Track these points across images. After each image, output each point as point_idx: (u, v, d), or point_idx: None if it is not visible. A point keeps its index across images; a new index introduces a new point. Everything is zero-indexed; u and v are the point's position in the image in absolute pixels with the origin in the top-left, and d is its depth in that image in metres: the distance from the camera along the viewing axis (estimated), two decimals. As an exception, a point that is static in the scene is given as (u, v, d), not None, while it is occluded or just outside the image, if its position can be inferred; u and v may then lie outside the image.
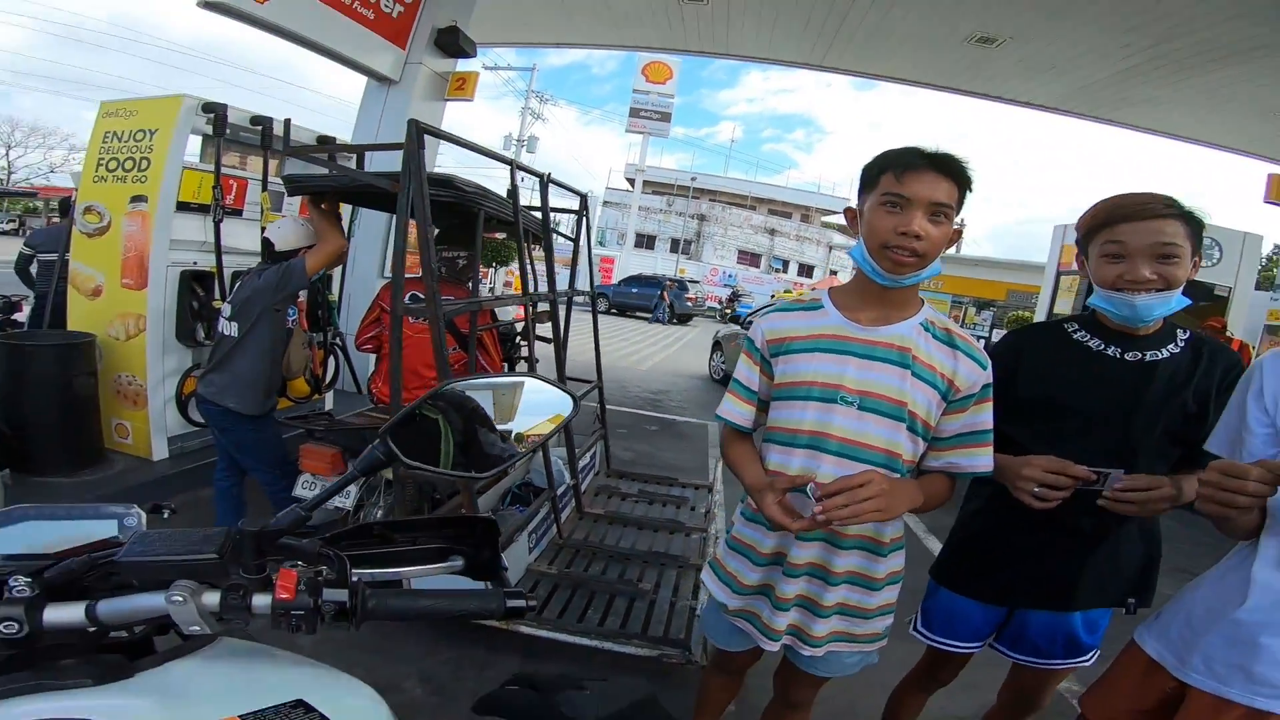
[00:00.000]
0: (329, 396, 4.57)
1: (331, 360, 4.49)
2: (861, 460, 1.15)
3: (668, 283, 22.80)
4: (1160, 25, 6.40)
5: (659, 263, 31.24)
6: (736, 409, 1.31)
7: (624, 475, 3.91)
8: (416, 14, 5.78)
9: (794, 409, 1.21)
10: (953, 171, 1.13)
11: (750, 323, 9.45)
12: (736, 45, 9.43)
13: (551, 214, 3.24)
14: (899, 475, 1.18)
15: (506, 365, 3.66)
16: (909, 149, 1.15)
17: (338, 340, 4.53)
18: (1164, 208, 1.26)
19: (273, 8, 4.61)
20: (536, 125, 29.27)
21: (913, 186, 1.11)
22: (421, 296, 2.47)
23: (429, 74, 5.97)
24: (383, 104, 5.85)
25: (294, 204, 4.16)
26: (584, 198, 3.68)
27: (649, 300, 22.29)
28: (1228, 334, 6.49)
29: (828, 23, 8.00)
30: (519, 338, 3.71)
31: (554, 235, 3.30)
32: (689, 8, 8.27)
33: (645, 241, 35.58)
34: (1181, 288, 1.28)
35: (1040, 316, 9.01)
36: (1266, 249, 11.46)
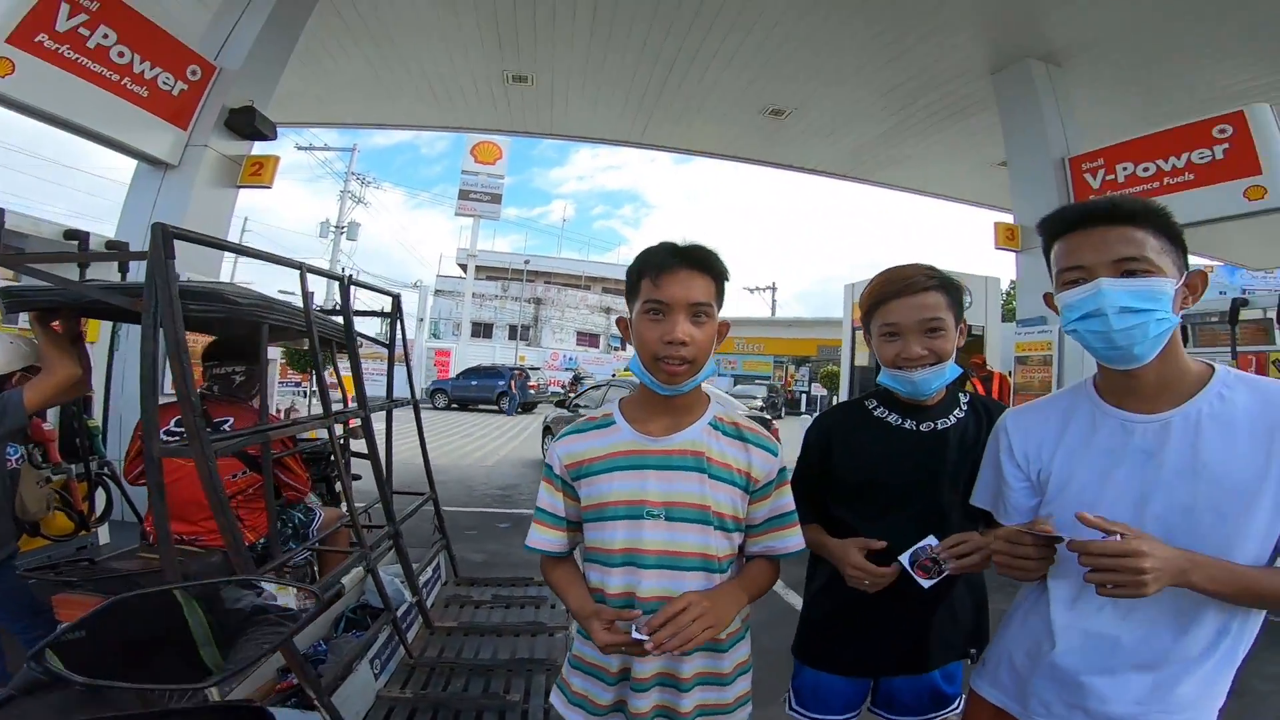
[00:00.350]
0: (103, 530, 3.73)
1: (101, 492, 3.68)
2: (679, 568, 1.16)
3: (515, 372, 22.45)
4: (907, 87, 7.63)
5: (498, 351, 30.48)
6: (544, 537, 1.27)
7: (474, 582, 3.68)
8: (204, 92, 5.29)
9: (604, 529, 1.20)
10: (706, 266, 1.15)
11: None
12: (562, 125, 9.81)
13: (365, 317, 3.05)
14: (719, 574, 1.19)
15: (324, 485, 3.36)
16: (662, 248, 1.16)
17: (105, 470, 3.73)
18: (926, 279, 1.32)
19: (17, 82, 4.00)
20: (358, 210, 27.93)
21: (670, 290, 1.12)
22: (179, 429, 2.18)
23: (216, 158, 5.42)
24: (157, 190, 5.21)
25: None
26: (396, 299, 3.43)
27: (490, 391, 21.82)
28: (988, 368, 7.54)
29: (644, 100, 8.61)
30: (330, 456, 3.33)
31: (366, 341, 3.03)
32: (514, 89, 8.50)
33: (482, 330, 35.04)
34: (952, 357, 1.34)
35: (844, 370, 9.98)
36: (1005, 287, 13.89)
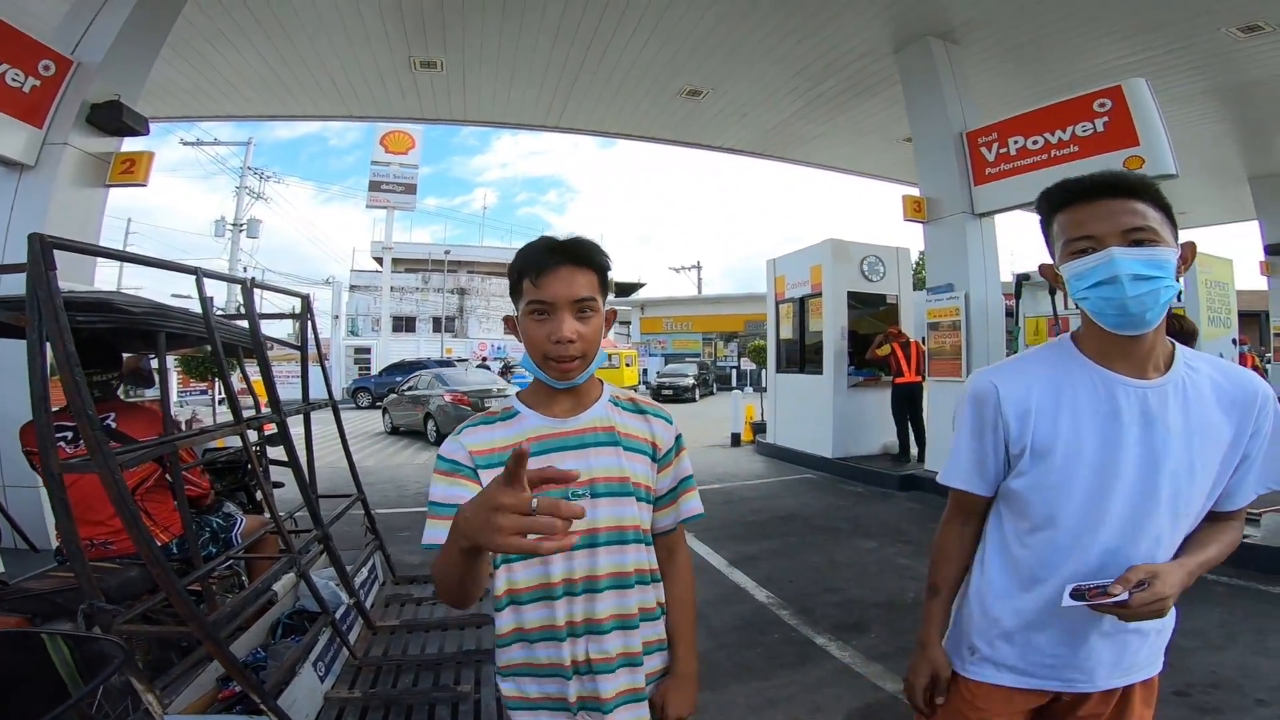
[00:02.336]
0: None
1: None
2: (605, 545, 1.16)
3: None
4: (816, 66, 7.85)
5: (423, 345, 29.61)
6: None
7: (414, 580, 3.67)
8: (59, 88, 4.86)
9: None
10: (587, 260, 1.15)
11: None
12: (475, 111, 9.50)
13: (274, 319, 2.88)
14: (646, 546, 1.22)
15: (244, 494, 3.25)
16: (542, 246, 1.15)
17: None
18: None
19: None
20: (257, 206, 26.18)
21: (553, 289, 1.11)
22: (68, 427, 2.11)
23: (79, 157, 4.98)
24: (13, 193, 4.77)
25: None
26: (305, 299, 3.37)
27: (417, 387, 21.24)
28: (906, 337, 7.95)
29: (560, 84, 8.45)
30: (247, 464, 3.23)
31: (277, 344, 3.02)
32: (423, 75, 8.16)
33: (404, 324, 33.74)
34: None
35: (770, 343, 10.30)
36: (915, 258, 14.74)
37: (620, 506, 1.17)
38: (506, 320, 1.25)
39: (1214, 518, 1.18)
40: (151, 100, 7.40)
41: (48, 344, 1.60)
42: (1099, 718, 1.20)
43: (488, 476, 1.15)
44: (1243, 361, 5.32)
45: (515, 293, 1.18)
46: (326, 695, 2.27)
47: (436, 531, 1.12)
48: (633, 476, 1.19)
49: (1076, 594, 1.06)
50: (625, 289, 42.84)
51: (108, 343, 2.45)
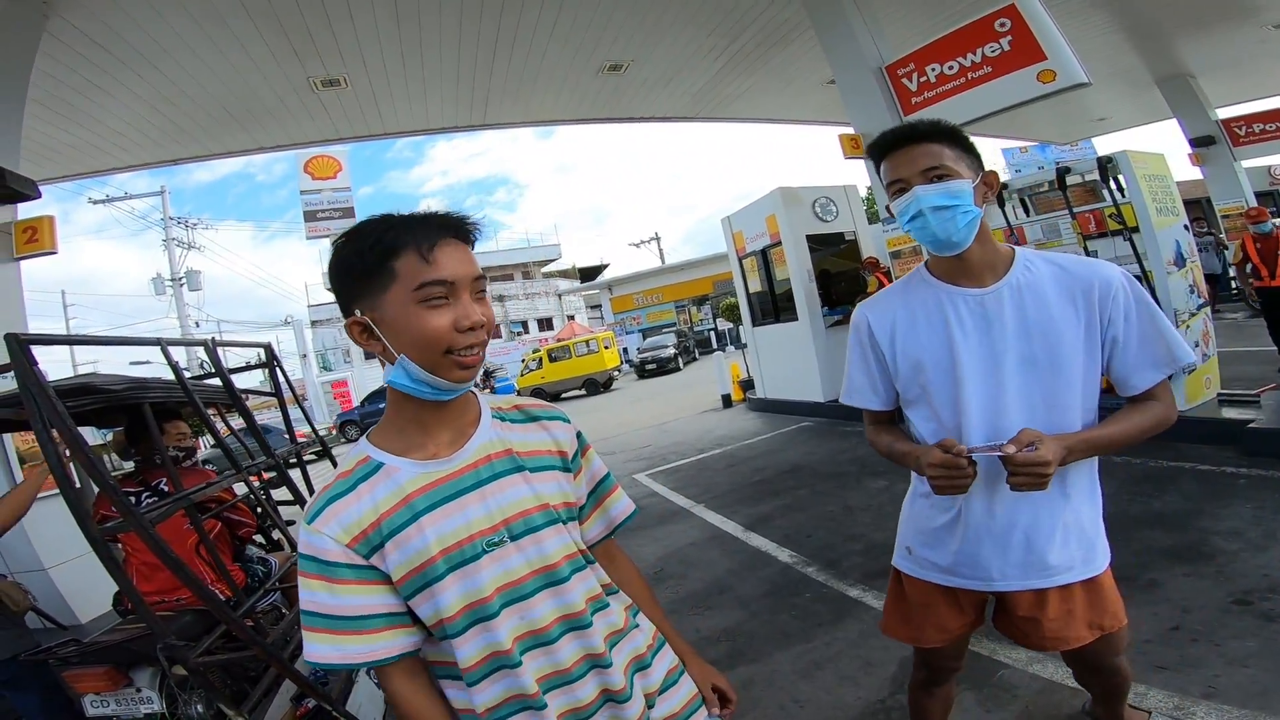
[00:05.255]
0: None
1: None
2: (542, 589, 0.97)
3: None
4: (727, 24, 7.82)
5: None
6: (354, 646, 0.92)
7: None
8: None
9: (445, 591, 0.92)
10: (470, 235, 0.96)
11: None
12: (393, 122, 9.22)
13: (241, 372, 3.17)
14: (590, 567, 1.04)
15: (262, 535, 3.40)
16: (420, 219, 0.92)
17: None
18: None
19: None
20: (192, 257, 25.05)
21: (450, 265, 0.90)
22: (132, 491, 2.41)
23: None
24: None
25: None
26: (268, 348, 3.49)
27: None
28: (885, 266, 8.02)
29: (476, 84, 8.25)
30: (258, 509, 3.42)
31: (252, 394, 3.13)
32: (327, 95, 7.87)
33: (374, 350, 33.23)
34: None
35: (741, 298, 10.37)
36: (864, 193, 14.98)
37: (547, 541, 0.99)
38: (353, 327, 0.94)
39: (1132, 401, 1.30)
40: (39, 161, 7.08)
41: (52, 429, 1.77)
42: (1035, 621, 1.35)
43: (380, 562, 0.92)
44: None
45: (375, 283, 0.90)
46: (385, 700, 2.46)
47: (324, 647, 0.91)
48: (549, 499, 1.01)
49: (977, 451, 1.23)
50: (590, 273, 42.59)
51: (139, 425, 2.68)
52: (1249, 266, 6.39)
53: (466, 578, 0.93)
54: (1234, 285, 10.29)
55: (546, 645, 0.96)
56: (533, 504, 0.99)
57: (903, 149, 1.29)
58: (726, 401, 11.19)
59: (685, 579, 3.88)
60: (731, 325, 14.96)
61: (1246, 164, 12.29)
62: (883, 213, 7.32)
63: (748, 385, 11.06)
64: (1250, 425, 4.35)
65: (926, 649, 1.51)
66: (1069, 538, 1.31)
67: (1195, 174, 12.76)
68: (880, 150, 1.33)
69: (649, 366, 22.68)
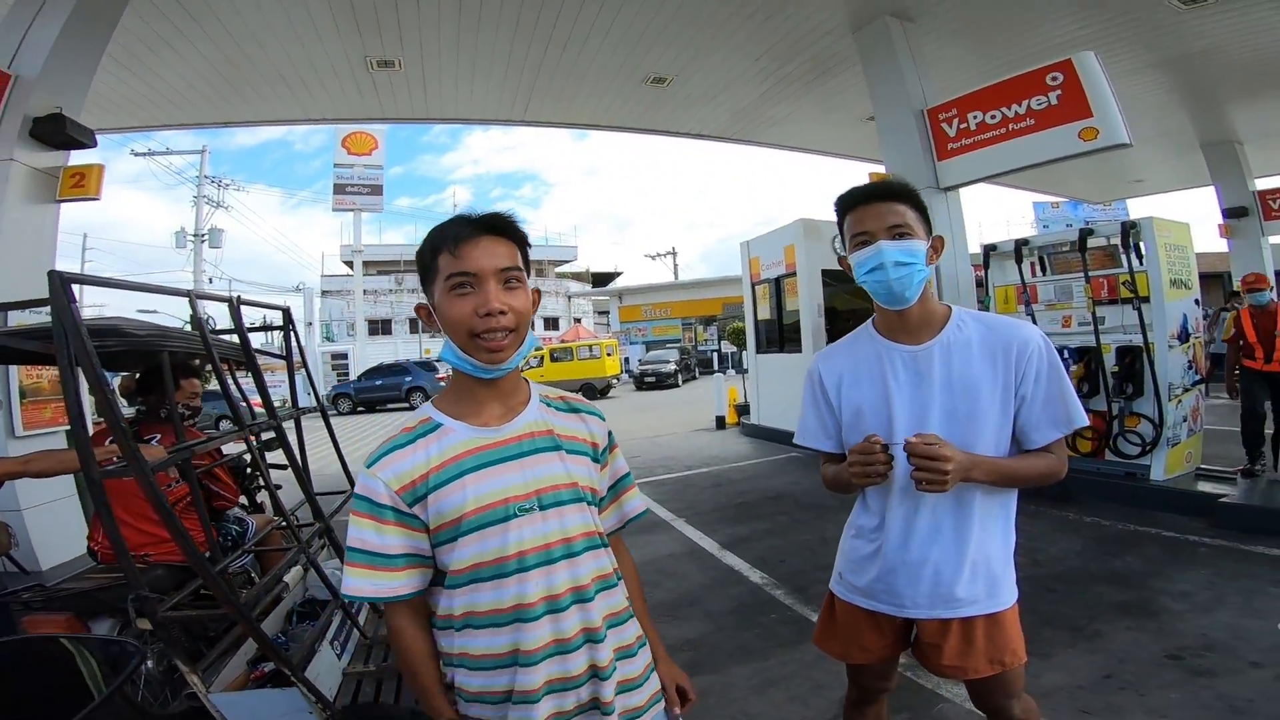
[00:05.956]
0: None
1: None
2: (560, 560, 1.06)
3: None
4: (780, 47, 7.89)
5: (400, 348, 29.34)
6: (374, 581, 1.03)
7: None
8: None
9: (463, 546, 1.03)
10: (506, 231, 1.07)
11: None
12: (437, 109, 9.36)
13: (254, 332, 3.18)
14: (604, 550, 1.13)
15: (247, 497, 3.46)
16: (457, 220, 1.07)
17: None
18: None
19: None
20: (218, 216, 25.55)
21: (474, 258, 1.02)
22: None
23: (26, 172, 4.89)
24: None
25: None
26: (287, 311, 3.52)
27: (398, 389, 21.20)
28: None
29: (523, 79, 8.38)
30: (249, 469, 3.51)
31: (262, 356, 3.19)
32: (380, 74, 8.03)
33: (380, 327, 33.37)
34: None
35: (749, 324, 10.39)
36: None
37: (570, 515, 1.09)
38: (419, 309, 1.13)
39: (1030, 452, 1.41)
40: (98, 112, 7.22)
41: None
42: (939, 648, 1.43)
43: (421, 511, 1.04)
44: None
45: (430, 275, 1.07)
46: (345, 671, 2.42)
47: (361, 580, 1.02)
48: (580, 481, 1.11)
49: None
50: (602, 279, 42.79)
51: (155, 375, 2.73)
52: (1241, 342, 5.45)
53: (491, 537, 1.03)
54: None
55: (557, 612, 1.04)
56: (564, 480, 1.09)
57: (872, 204, 1.39)
58: (720, 423, 11.22)
59: (658, 588, 3.98)
60: (735, 349, 15.01)
61: (1274, 239, 11.86)
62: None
63: (743, 410, 11.10)
64: (1222, 500, 4.55)
65: (855, 667, 1.63)
66: (976, 574, 1.39)
67: (1221, 246, 12.31)
68: (850, 203, 1.43)
69: (648, 379, 22.74)
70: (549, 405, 1.17)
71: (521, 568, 1.03)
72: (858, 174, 9.84)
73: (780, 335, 9.43)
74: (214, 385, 3.12)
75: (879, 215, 1.37)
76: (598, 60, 7.90)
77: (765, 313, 9.86)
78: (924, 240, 1.38)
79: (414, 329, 32.65)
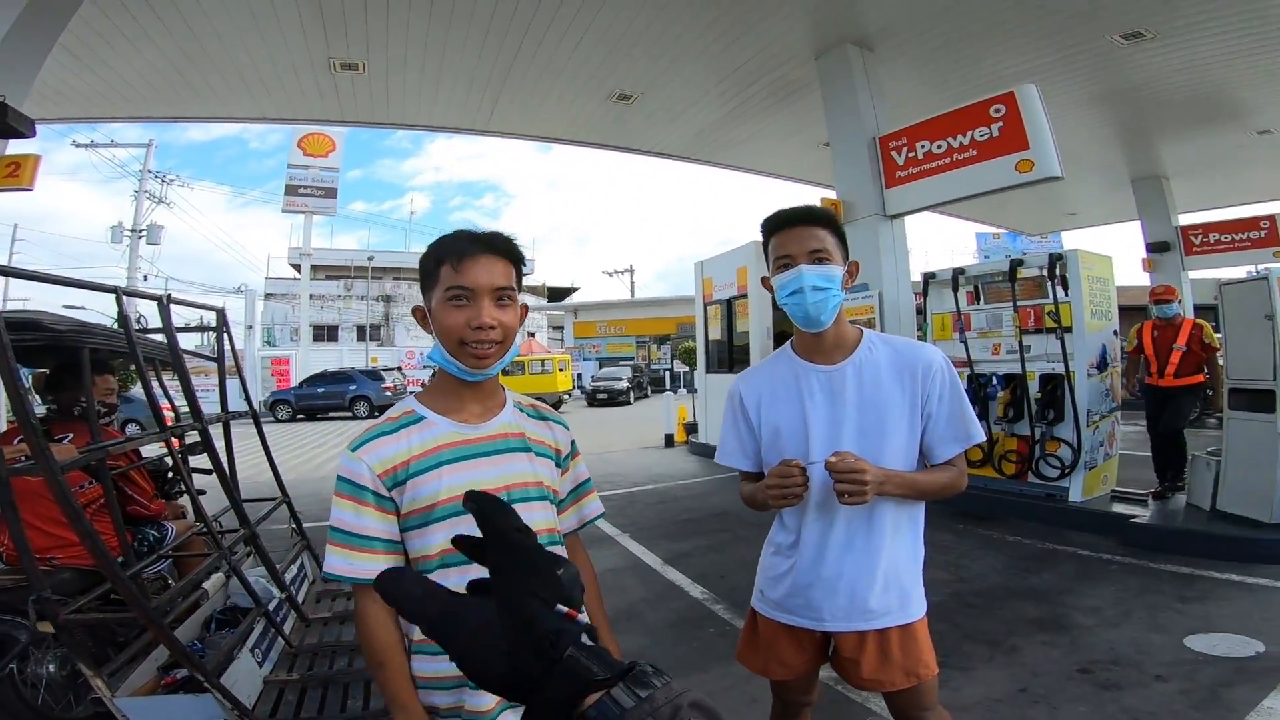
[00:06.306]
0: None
1: None
2: None
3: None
4: (743, 72, 8.06)
5: (346, 355, 28.50)
6: (355, 562, 1.09)
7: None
8: None
9: (435, 533, 1.10)
10: (506, 251, 1.16)
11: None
12: (399, 114, 9.23)
13: (189, 333, 2.97)
14: (561, 547, 1.23)
15: (164, 500, 3.32)
16: (461, 235, 1.16)
17: None
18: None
19: None
20: (160, 212, 24.31)
21: (473, 275, 1.11)
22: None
23: None
24: None
25: None
26: (220, 313, 3.46)
27: (342, 398, 20.66)
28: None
29: (489, 88, 8.35)
30: (170, 473, 3.39)
31: (192, 356, 3.15)
32: (342, 77, 7.88)
33: (326, 333, 32.38)
34: None
35: (700, 344, 10.52)
36: None
37: (535, 511, 1.18)
38: (416, 311, 1.22)
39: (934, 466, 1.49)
40: (41, 101, 6.91)
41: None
42: (857, 662, 1.47)
43: (399, 495, 1.11)
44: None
45: (429, 281, 1.16)
46: (266, 679, 2.37)
47: (339, 560, 1.09)
48: (545, 481, 1.22)
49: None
50: (558, 294, 42.66)
51: (68, 372, 2.62)
52: (1142, 358, 5.50)
53: (461, 525, 1.04)
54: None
55: None
56: (531, 479, 1.19)
57: (796, 228, 1.46)
58: (669, 441, 11.28)
59: (599, 601, 3.98)
60: (687, 369, 15.18)
61: (1193, 274, 12.25)
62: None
63: (691, 429, 11.19)
64: (1133, 520, 4.84)
65: (777, 681, 1.67)
66: (889, 585, 1.45)
67: (1145, 279, 12.33)
68: (774, 226, 1.49)
69: (600, 396, 22.75)
70: (522, 411, 1.27)
71: (466, 562, 1.05)
72: (811, 198, 10.10)
73: (730, 356, 9.57)
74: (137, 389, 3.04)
75: (801, 239, 1.44)
76: (565, 74, 7.94)
77: (717, 333, 10.00)
78: (841, 266, 1.45)
79: (361, 336, 31.80)
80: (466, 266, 1.11)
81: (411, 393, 1.26)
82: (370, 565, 1.08)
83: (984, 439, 1.49)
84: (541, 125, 9.79)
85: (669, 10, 6.66)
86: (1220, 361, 5.02)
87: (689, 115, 9.42)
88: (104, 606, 2.19)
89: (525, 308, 1.23)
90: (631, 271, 40.37)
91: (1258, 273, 5.40)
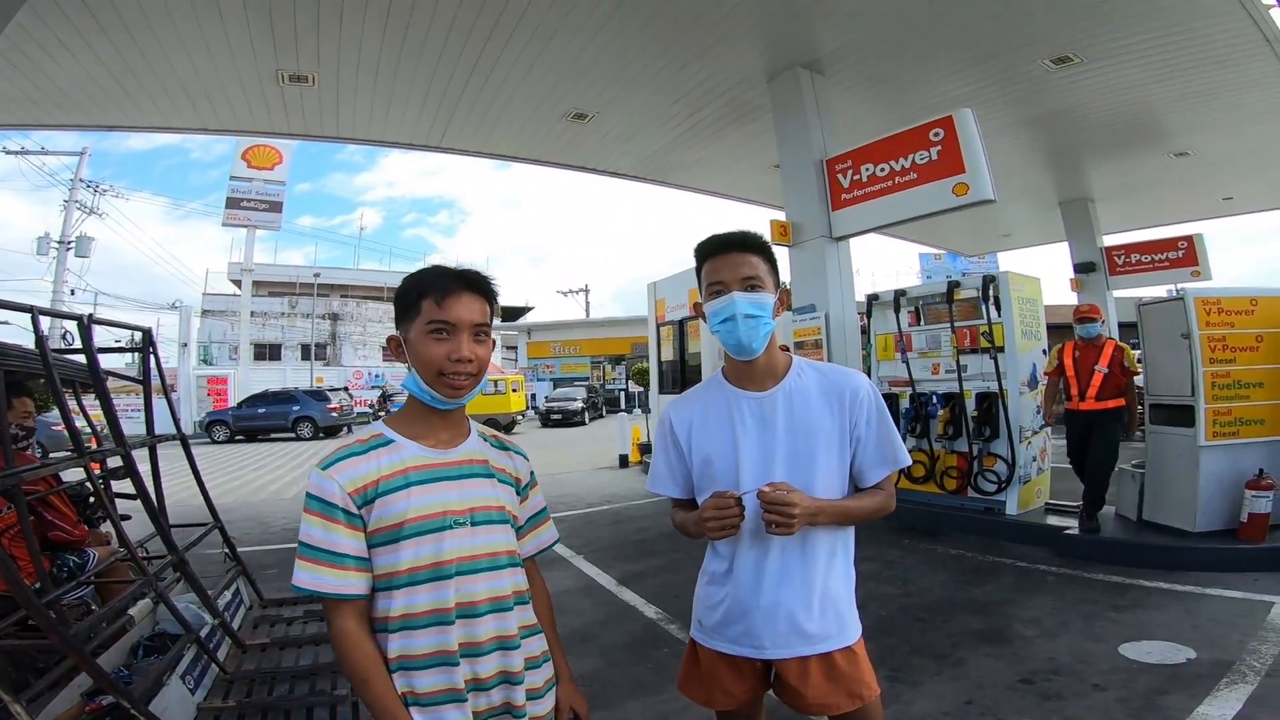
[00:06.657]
0: None
1: None
2: (484, 570, 1.20)
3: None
4: (696, 94, 8.20)
5: (290, 374, 27.62)
6: (326, 578, 1.12)
7: (282, 603, 3.66)
8: None
9: (403, 549, 1.15)
10: (484, 290, 1.24)
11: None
12: (350, 128, 9.02)
13: (117, 353, 2.96)
14: (519, 569, 1.28)
15: (88, 527, 3.17)
16: (443, 272, 1.23)
17: None
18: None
19: None
20: (91, 223, 23.07)
21: (455, 311, 1.18)
22: None
23: None
24: None
25: None
26: (147, 333, 3.37)
27: (284, 419, 19.91)
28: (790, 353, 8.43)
29: (443, 104, 8.26)
30: (91, 498, 3.25)
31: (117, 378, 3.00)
32: (290, 90, 7.67)
33: (269, 352, 31.40)
34: None
35: (653, 365, 10.56)
36: (786, 280, 15.67)
37: (497, 534, 1.24)
38: (391, 340, 1.27)
39: (863, 489, 1.51)
40: None
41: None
42: (801, 689, 1.46)
43: (367, 513, 1.15)
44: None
45: (409, 313, 1.21)
46: (199, 706, 2.31)
47: (308, 575, 1.12)
48: (506, 505, 1.28)
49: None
50: (512, 313, 42.26)
51: None
52: (1062, 380, 5.18)
53: (426, 544, 1.16)
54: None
55: (474, 617, 1.17)
56: (494, 503, 1.25)
57: (729, 254, 1.46)
58: (623, 461, 11.25)
59: (554, 624, 3.93)
60: (641, 389, 15.24)
61: (1118, 294, 12.67)
62: (797, 299, 7.67)
63: (646, 449, 11.18)
64: (1065, 531, 5.04)
65: (719, 711, 1.63)
66: (826, 609, 1.45)
67: (1073, 299, 12.92)
68: (707, 251, 1.49)
69: (554, 416, 22.54)
70: (485, 440, 1.33)
71: (436, 578, 1.15)
72: (762, 220, 10.34)
73: (683, 377, 9.63)
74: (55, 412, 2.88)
75: (734, 266, 1.44)
76: (520, 91, 7.93)
77: (669, 354, 10.07)
78: (773, 293, 1.46)
79: (305, 355, 30.76)
80: (449, 303, 1.18)
81: (379, 417, 1.32)
82: (340, 580, 1.12)
83: (910, 463, 1.48)
84: (496, 143, 9.73)
85: (623, 35, 6.75)
86: (1139, 385, 5.17)
87: (643, 136, 9.52)
88: (22, 633, 2.13)
89: (494, 341, 1.28)
90: (587, 291, 40.29)
91: (1176, 292, 5.64)
